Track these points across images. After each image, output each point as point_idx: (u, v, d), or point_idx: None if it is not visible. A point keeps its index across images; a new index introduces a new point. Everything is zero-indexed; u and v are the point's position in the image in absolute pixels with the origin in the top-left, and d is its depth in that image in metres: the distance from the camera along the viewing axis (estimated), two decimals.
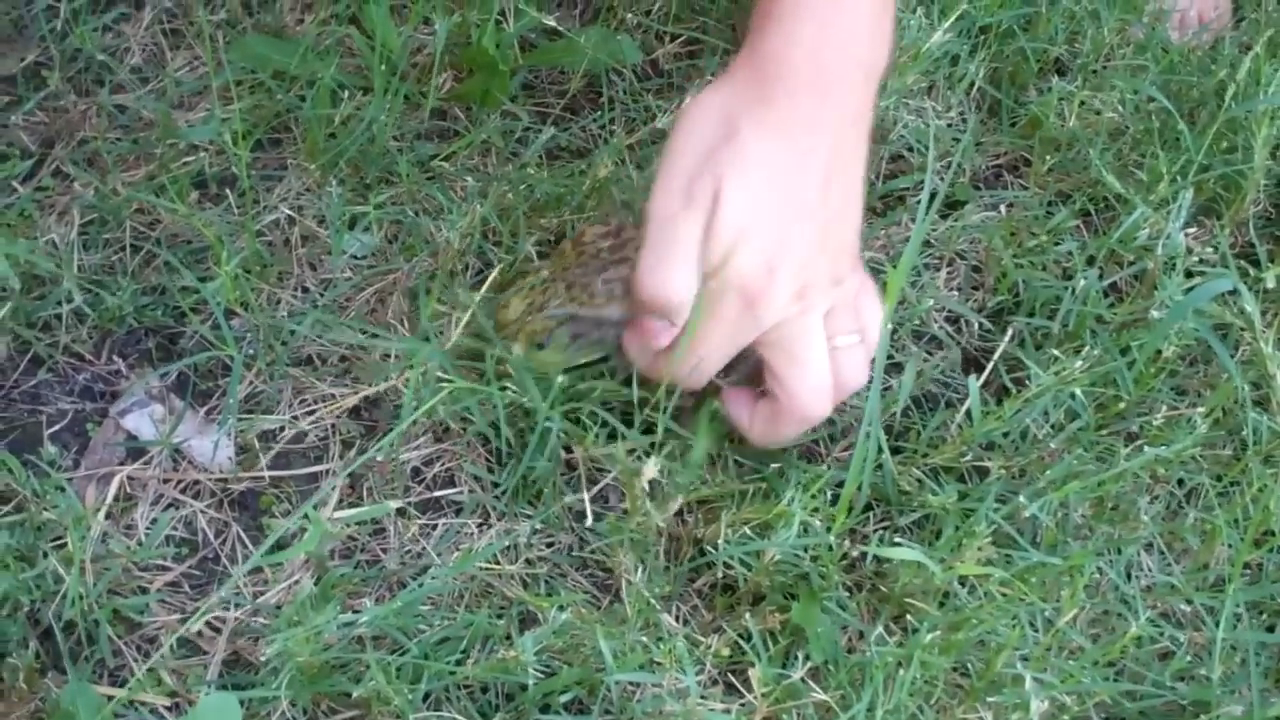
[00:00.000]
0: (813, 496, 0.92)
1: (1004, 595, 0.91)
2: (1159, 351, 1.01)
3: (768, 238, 0.87)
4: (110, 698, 0.90)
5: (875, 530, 0.99)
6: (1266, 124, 1.09)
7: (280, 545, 0.98)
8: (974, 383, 1.00)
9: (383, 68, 1.10)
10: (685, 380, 0.92)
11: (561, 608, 0.89)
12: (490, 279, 1.03)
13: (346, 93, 1.12)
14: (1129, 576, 0.98)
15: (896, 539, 0.96)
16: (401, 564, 0.97)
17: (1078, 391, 1.00)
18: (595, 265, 0.97)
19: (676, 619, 0.95)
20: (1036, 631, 0.92)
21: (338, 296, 1.07)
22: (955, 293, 1.12)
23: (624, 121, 1.18)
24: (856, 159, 0.91)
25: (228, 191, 1.12)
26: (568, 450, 1.01)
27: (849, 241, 0.91)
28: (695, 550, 0.98)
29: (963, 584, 0.93)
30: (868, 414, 0.92)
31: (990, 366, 1.06)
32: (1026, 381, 1.02)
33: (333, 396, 1.05)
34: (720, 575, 0.96)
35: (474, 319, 1.00)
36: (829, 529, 0.92)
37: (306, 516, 0.95)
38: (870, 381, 0.92)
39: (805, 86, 0.88)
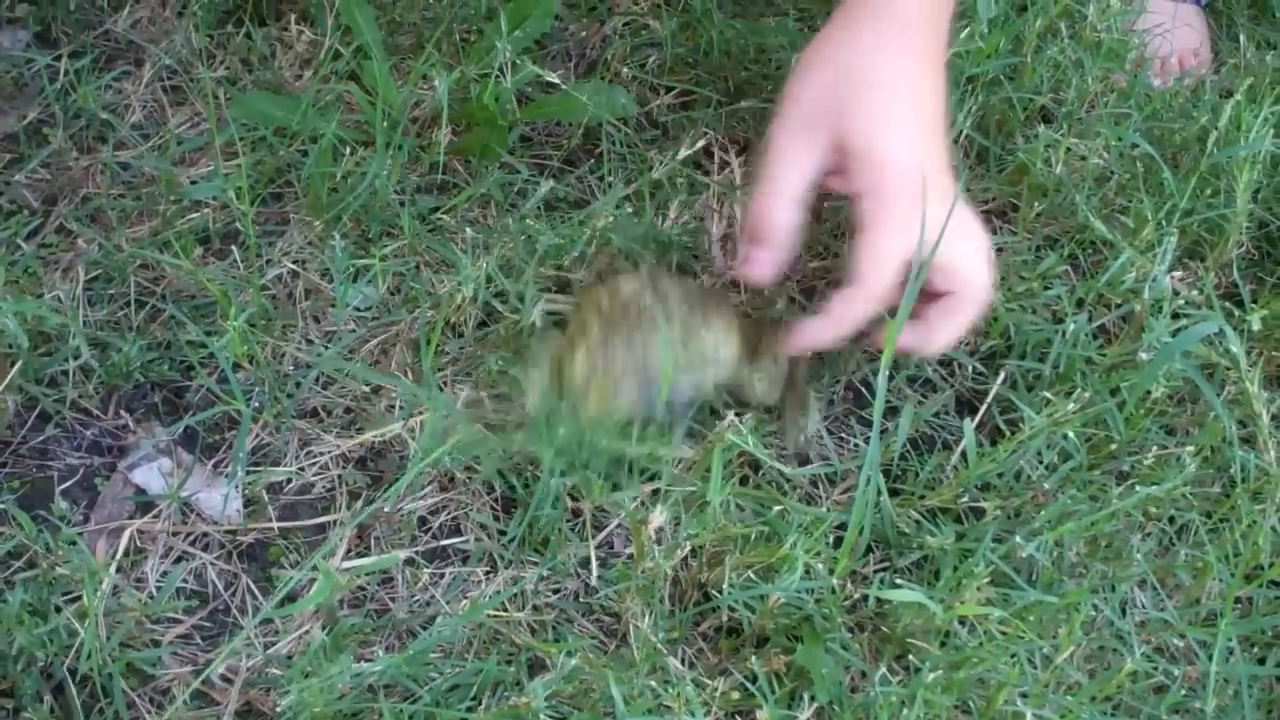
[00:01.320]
0: (815, 540, 0.94)
1: (1003, 634, 0.93)
2: (1148, 392, 1.04)
3: (914, 143, 0.99)
4: None
5: (876, 572, 1.01)
6: (1247, 169, 1.11)
7: (290, 597, 1.00)
8: (969, 425, 1.02)
9: (384, 124, 1.12)
10: (874, 287, 0.98)
11: (570, 653, 0.91)
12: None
13: (348, 148, 1.14)
14: (1124, 613, 1.00)
15: (897, 580, 0.98)
16: (410, 613, 0.99)
17: (1070, 433, 1.02)
18: (646, 321, 1.01)
19: (683, 663, 0.97)
20: (1035, 669, 0.94)
21: (342, 349, 1.09)
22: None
23: (620, 172, 1.20)
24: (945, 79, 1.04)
25: (232, 247, 1.14)
26: (574, 498, 1.03)
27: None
28: (700, 594, 0.99)
29: (963, 623, 0.95)
30: (868, 458, 0.94)
31: (984, 409, 1.08)
32: (1019, 423, 1.05)
33: (338, 448, 1.06)
34: (725, 619, 0.98)
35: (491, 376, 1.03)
36: (831, 571, 0.94)
37: (315, 567, 0.97)
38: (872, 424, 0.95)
39: (917, 21, 1.01)
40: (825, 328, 1.00)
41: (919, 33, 1.02)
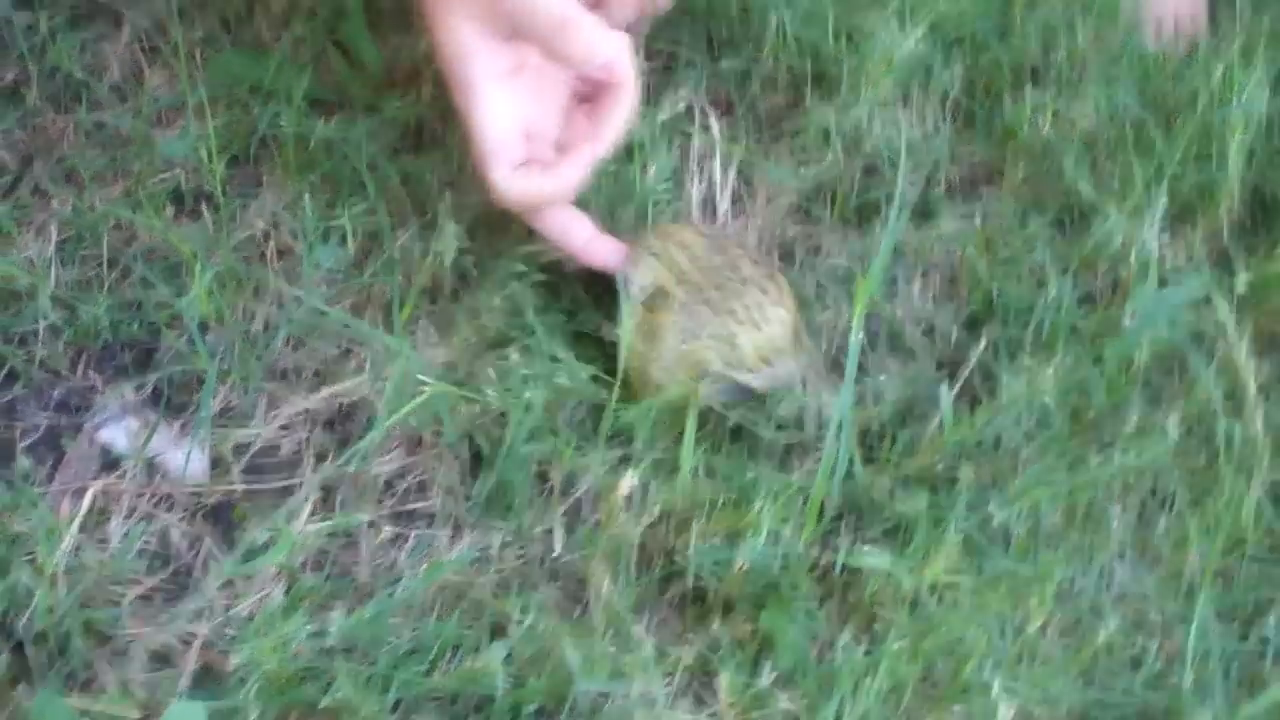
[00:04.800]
0: (782, 504, 0.92)
1: (973, 602, 0.91)
2: (1131, 360, 1.01)
3: None
4: (82, 711, 0.90)
5: (846, 540, 0.99)
6: (1240, 130, 1.09)
7: (252, 557, 0.99)
8: (945, 391, 1.00)
9: (360, 82, 1.10)
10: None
11: (525, 609, 0.89)
12: None
13: (323, 108, 1.12)
14: (1105, 586, 0.98)
15: (867, 549, 0.95)
16: (372, 575, 0.97)
17: (1049, 400, 0.99)
18: (729, 283, 0.99)
19: (646, 630, 0.95)
20: (1006, 640, 0.92)
21: (313, 310, 1.08)
22: (930, 304, 1.12)
23: None
24: None
25: (204, 208, 1.13)
26: (542, 464, 1.01)
27: None
28: (666, 560, 0.98)
29: (933, 592, 0.92)
30: (837, 416, 0.92)
31: (964, 376, 1.06)
32: (1000, 390, 1.02)
33: (306, 409, 1.05)
34: (690, 584, 0.96)
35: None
36: (799, 537, 0.92)
37: (277, 527, 0.96)
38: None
39: None
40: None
41: None
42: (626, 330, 1.00)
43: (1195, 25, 1.30)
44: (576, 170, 0.98)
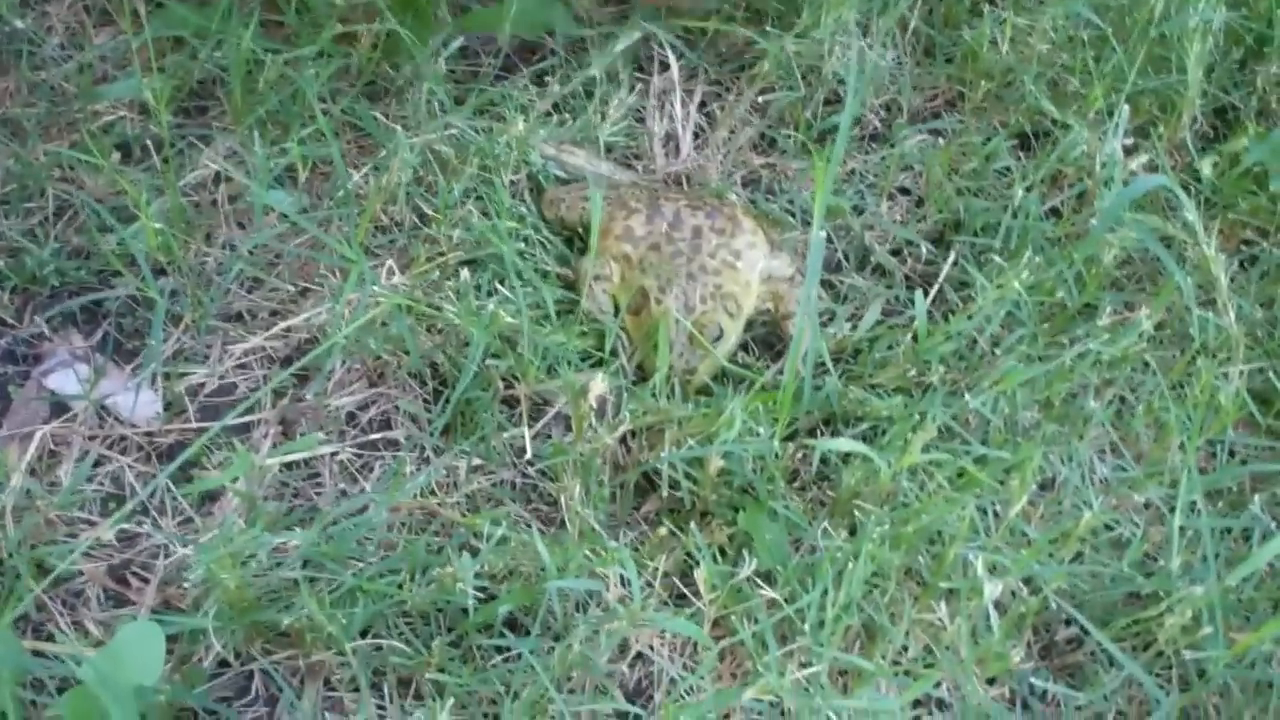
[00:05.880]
0: (752, 398, 0.90)
1: (953, 489, 0.88)
2: (1099, 259, 1.00)
3: None
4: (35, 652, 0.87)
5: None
6: (1199, 40, 1.08)
7: (212, 497, 0.95)
8: (920, 297, 0.98)
9: (308, 28, 1.08)
10: None
11: (497, 522, 0.86)
12: None
13: (270, 55, 1.10)
14: (1089, 481, 0.95)
15: (843, 441, 0.92)
16: (336, 503, 0.94)
17: (1022, 295, 0.97)
18: (685, 243, 1.01)
19: (622, 542, 0.92)
20: (989, 524, 0.89)
21: (267, 250, 1.05)
22: (899, 225, 1.10)
23: (560, 75, 1.16)
24: None
25: (152, 156, 1.10)
26: (508, 386, 0.99)
27: None
28: (641, 477, 0.95)
29: (912, 479, 0.90)
30: (802, 302, 0.90)
31: (938, 285, 1.04)
32: (974, 299, 1.00)
33: (263, 348, 1.02)
34: (666, 495, 0.93)
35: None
36: (773, 437, 0.90)
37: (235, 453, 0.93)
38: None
39: None
40: None
41: None
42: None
43: None
44: None
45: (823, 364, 0.95)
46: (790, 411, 0.91)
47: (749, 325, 1.02)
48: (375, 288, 0.95)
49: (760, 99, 1.15)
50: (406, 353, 0.99)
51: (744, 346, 1.03)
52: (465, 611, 0.86)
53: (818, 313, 0.95)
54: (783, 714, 0.85)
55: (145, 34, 1.08)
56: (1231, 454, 0.98)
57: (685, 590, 0.89)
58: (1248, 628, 0.87)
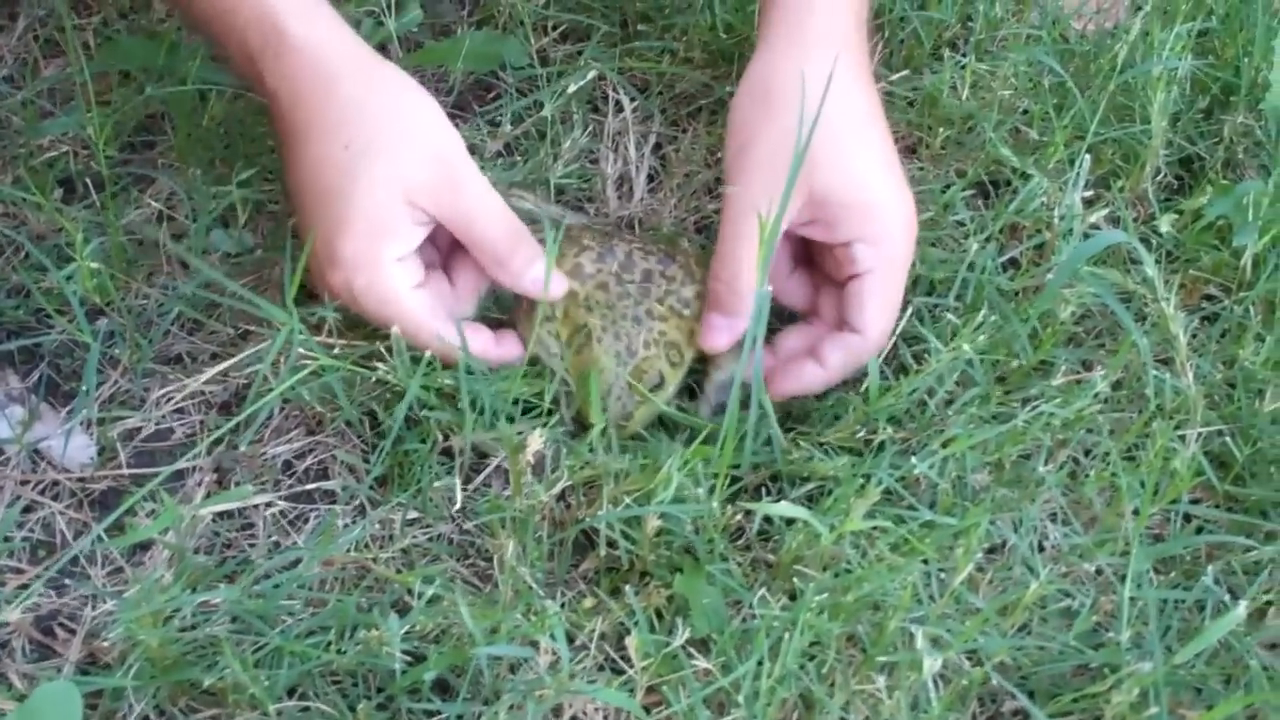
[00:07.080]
0: (691, 455, 0.88)
1: (897, 556, 0.86)
2: (1055, 315, 0.98)
3: (895, 177, 0.97)
4: None
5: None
6: (1163, 89, 1.06)
7: (144, 547, 0.93)
8: (873, 362, 0.96)
9: None
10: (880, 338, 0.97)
11: (429, 579, 0.84)
12: None
13: (215, 91, 1.08)
14: (1039, 547, 0.93)
15: (784, 504, 0.90)
16: (268, 556, 0.92)
17: (974, 356, 0.95)
18: (634, 285, 0.98)
19: (558, 603, 0.90)
20: (933, 599, 0.87)
21: (212, 289, 1.03)
22: None
23: (511, 115, 1.14)
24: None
25: (95, 194, 1.08)
26: (446, 438, 0.96)
27: None
28: (580, 534, 0.93)
29: (854, 547, 0.88)
30: (744, 360, 0.89)
31: (890, 342, 1.02)
32: (926, 356, 0.98)
33: (201, 393, 1.00)
34: (604, 554, 0.91)
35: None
36: (713, 499, 0.88)
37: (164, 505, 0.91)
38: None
39: (850, 34, 0.96)
40: (820, 377, 0.96)
41: (855, 48, 0.96)
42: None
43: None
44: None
45: (764, 413, 0.93)
46: (732, 463, 0.89)
47: (692, 371, 1.00)
48: (301, 350, 0.93)
49: (716, 143, 1.13)
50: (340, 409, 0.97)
51: (689, 392, 1.01)
52: (394, 672, 0.84)
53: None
54: None
55: (86, 72, 1.06)
56: (1187, 519, 0.96)
57: (617, 657, 0.87)
58: (1199, 703, 0.85)
